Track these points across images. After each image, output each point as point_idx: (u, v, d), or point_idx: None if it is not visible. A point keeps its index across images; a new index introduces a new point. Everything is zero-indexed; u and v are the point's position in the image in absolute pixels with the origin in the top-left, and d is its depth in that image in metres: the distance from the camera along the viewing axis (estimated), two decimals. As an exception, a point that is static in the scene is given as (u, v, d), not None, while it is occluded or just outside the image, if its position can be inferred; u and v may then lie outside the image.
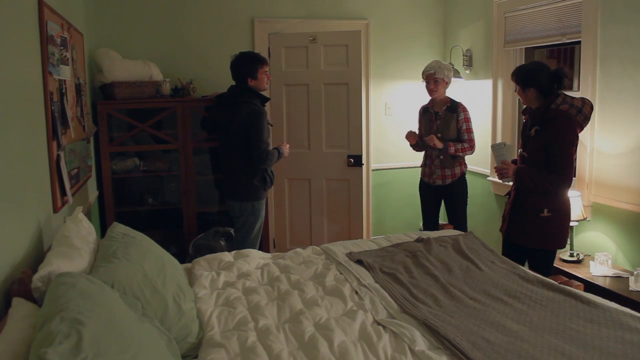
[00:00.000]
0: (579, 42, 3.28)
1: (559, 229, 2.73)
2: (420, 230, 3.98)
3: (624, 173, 3.00)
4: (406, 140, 3.77)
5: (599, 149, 3.15)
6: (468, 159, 3.73)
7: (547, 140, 2.64)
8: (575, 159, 2.72)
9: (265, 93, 3.40)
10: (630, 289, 2.72)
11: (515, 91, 2.82)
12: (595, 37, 3.10)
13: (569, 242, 3.20)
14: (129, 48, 3.83)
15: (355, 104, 4.04)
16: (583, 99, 2.66)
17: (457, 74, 4.30)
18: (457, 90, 4.55)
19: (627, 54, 2.93)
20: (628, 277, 2.81)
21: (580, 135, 3.16)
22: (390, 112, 4.57)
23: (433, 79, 3.54)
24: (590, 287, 2.82)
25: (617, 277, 2.87)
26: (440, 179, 3.60)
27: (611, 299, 2.25)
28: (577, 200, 3.08)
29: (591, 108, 2.66)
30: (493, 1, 4.00)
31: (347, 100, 4.04)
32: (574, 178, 3.31)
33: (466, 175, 3.68)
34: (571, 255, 3.17)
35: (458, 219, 3.64)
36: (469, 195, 3.74)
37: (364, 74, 4.42)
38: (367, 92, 4.47)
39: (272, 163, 3.29)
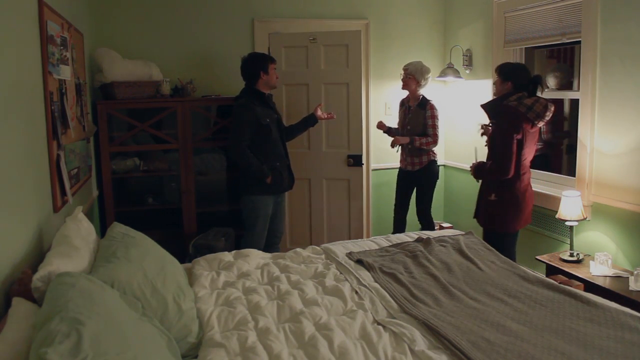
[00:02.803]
0: (579, 42, 3.28)
1: (503, 213, 3.03)
2: (395, 214, 4.17)
3: (624, 173, 2.99)
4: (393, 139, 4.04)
5: (599, 148, 3.15)
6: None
7: (494, 131, 3.02)
8: (515, 148, 2.90)
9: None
10: (630, 289, 2.72)
11: (494, 83, 3.13)
12: (595, 36, 3.09)
13: (569, 242, 3.21)
14: (129, 48, 3.83)
15: (355, 103, 4.04)
16: (538, 98, 2.92)
17: (456, 74, 4.31)
18: (457, 90, 4.55)
19: (627, 54, 2.92)
20: (628, 277, 2.80)
21: (580, 134, 3.21)
22: (390, 112, 4.57)
23: (405, 74, 3.89)
24: (590, 287, 2.82)
25: (617, 277, 2.87)
26: (410, 165, 3.96)
27: (611, 299, 2.25)
28: (577, 200, 3.09)
29: (545, 107, 2.88)
30: (493, 1, 4.00)
31: (347, 100, 4.04)
32: (573, 178, 3.35)
33: (437, 164, 3.99)
34: (571, 255, 3.16)
35: (424, 202, 4.00)
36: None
37: (364, 74, 4.41)
38: (367, 92, 4.47)
39: (241, 163, 3.30)
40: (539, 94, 3.01)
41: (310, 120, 3.69)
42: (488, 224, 3.13)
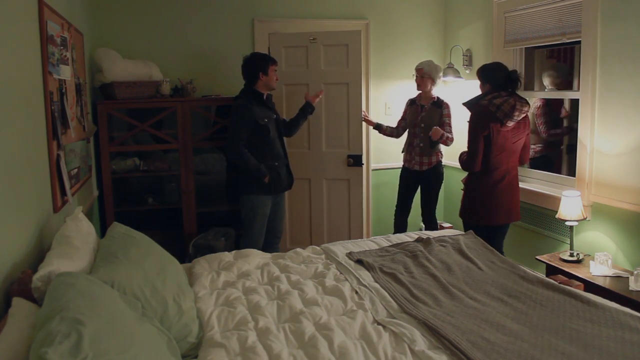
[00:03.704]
0: (579, 42, 3.28)
1: (468, 204, 3.28)
2: (396, 215, 4.15)
3: (624, 173, 2.99)
4: (404, 140, 4.05)
5: (599, 149, 3.15)
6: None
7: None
8: (482, 145, 3.11)
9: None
10: (630, 289, 2.72)
11: (479, 86, 3.29)
12: (595, 36, 3.09)
13: (569, 242, 3.21)
14: (129, 48, 3.83)
15: (355, 103, 4.03)
16: (507, 98, 3.05)
17: (456, 73, 4.31)
18: (457, 90, 4.55)
19: (627, 54, 2.92)
20: (628, 277, 2.80)
21: (580, 134, 3.24)
22: (390, 112, 4.57)
23: (420, 74, 3.89)
24: (590, 287, 2.82)
25: (617, 277, 2.87)
26: (417, 164, 3.93)
27: (611, 299, 2.25)
28: (577, 200, 3.09)
29: (512, 107, 3.01)
30: (493, 1, 4.00)
31: (347, 100, 4.03)
32: (573, 178, 3.37)
33: (442, 165, 3.99)
34: (571, 255, 3.16)
35: (431, 205, 4.01)
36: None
37: (364, 74, 4.41)
38: (367, 92, 4.47)
39: (238, 162, 3.33)
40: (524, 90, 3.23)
41: (308, 108, 3.70)
42: (461, 214, 3.36)
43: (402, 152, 4.06)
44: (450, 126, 3.86)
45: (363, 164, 4.11)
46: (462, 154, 3.31)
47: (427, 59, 4.46)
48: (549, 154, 4.16)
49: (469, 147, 3.17)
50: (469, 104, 3.26)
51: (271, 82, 3.40)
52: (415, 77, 3.93)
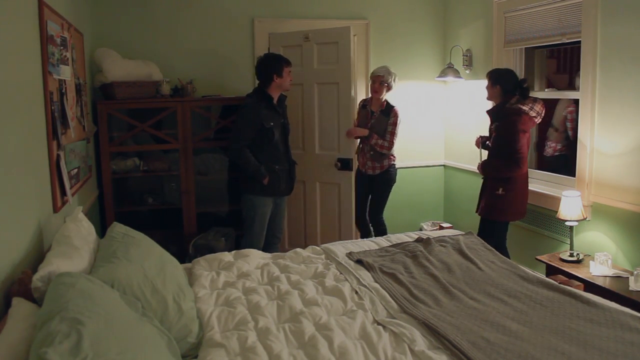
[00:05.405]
0: (579, 42, 3.28)
1: (509, 204, 3.28)
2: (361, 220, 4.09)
3: (624, 173, 2.99)
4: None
5: (599, 149, 3.15)
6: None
7: (502, 132, 3.23)
8: (526, 146, 3.20)
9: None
10: (630, 289, 2.71)
11: (486, 87, 3.38)
12: (595, 36, 3.09)
13: (569, 242, 3.22)
14: (129, 48, 3.83)
15: (345, 104, 3.89)
16: (535, 99, 3.24)
17: (456, 74, 4.31)
18: (457, 90, 4.55)
19: (627, 53, 2.92)
20: (628, 277, 2.80)
21: (580, 134, 3.26)
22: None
23: (379, 82, 3.84)
24: (590, 287, 2.82)
25: (617, 277, 2.87)
26: (371, 169, 3.94)
27: (611, 299, 2.25)
28: (577, 200, 3.09)
29: (542, 106, 3.22)
30: (493, 1, 4.00)
31: (337, 99, 3.91)
32: (573, 178, 3.36)
33: (395, 168, 3.98)
34: (571, 255, 3.16)
35: (379, 207, 4.00)
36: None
37: (363, 75, 4.40)
38: (367, 93, 4.46)
39: (238, 161, 3.34)
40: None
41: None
42: (491, 215, 3.33)
43: (355, 154, 4.02)
44: (391, 134, 3.83)
45: (352, 169, 3.94)
46: (496, 162, 3.26)
47: (427, 59, 4.47)
48: (568, 154, 4.10)
49: (515, 151, 3.14)
50: (494, 112, 3.31)
51: (285, 84, 3.39)
52: (372, 84, 3.86)
